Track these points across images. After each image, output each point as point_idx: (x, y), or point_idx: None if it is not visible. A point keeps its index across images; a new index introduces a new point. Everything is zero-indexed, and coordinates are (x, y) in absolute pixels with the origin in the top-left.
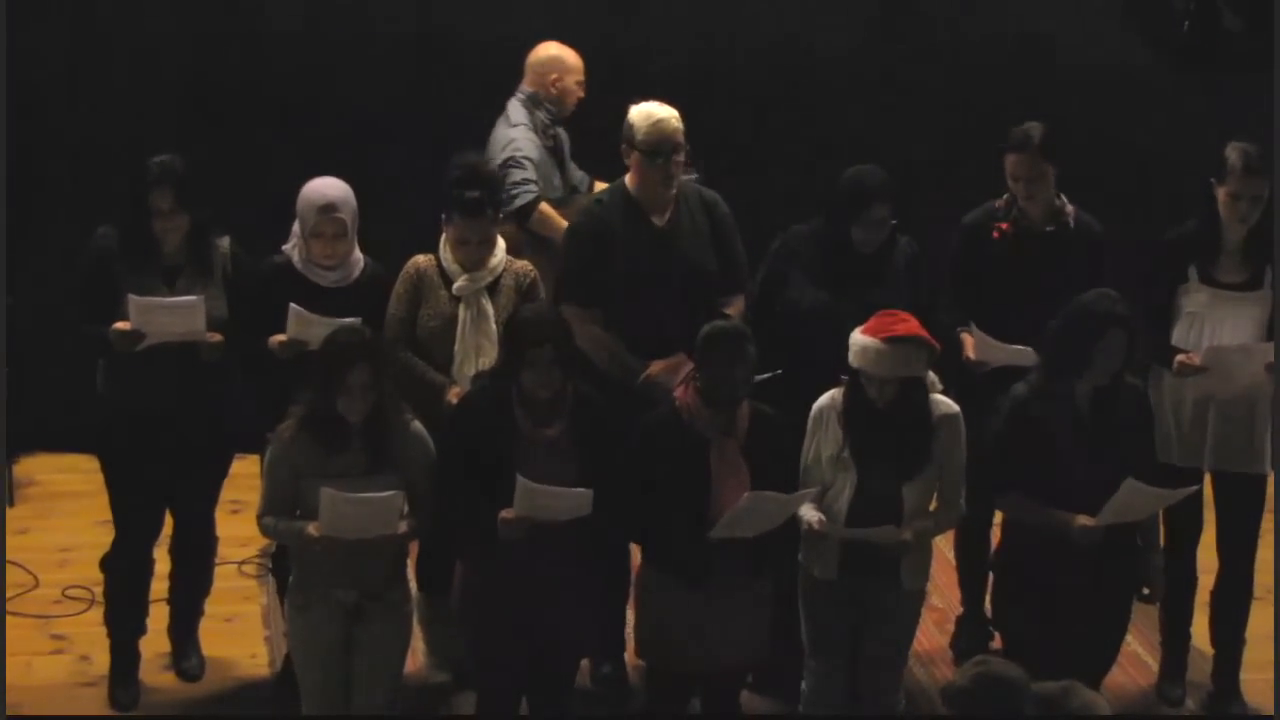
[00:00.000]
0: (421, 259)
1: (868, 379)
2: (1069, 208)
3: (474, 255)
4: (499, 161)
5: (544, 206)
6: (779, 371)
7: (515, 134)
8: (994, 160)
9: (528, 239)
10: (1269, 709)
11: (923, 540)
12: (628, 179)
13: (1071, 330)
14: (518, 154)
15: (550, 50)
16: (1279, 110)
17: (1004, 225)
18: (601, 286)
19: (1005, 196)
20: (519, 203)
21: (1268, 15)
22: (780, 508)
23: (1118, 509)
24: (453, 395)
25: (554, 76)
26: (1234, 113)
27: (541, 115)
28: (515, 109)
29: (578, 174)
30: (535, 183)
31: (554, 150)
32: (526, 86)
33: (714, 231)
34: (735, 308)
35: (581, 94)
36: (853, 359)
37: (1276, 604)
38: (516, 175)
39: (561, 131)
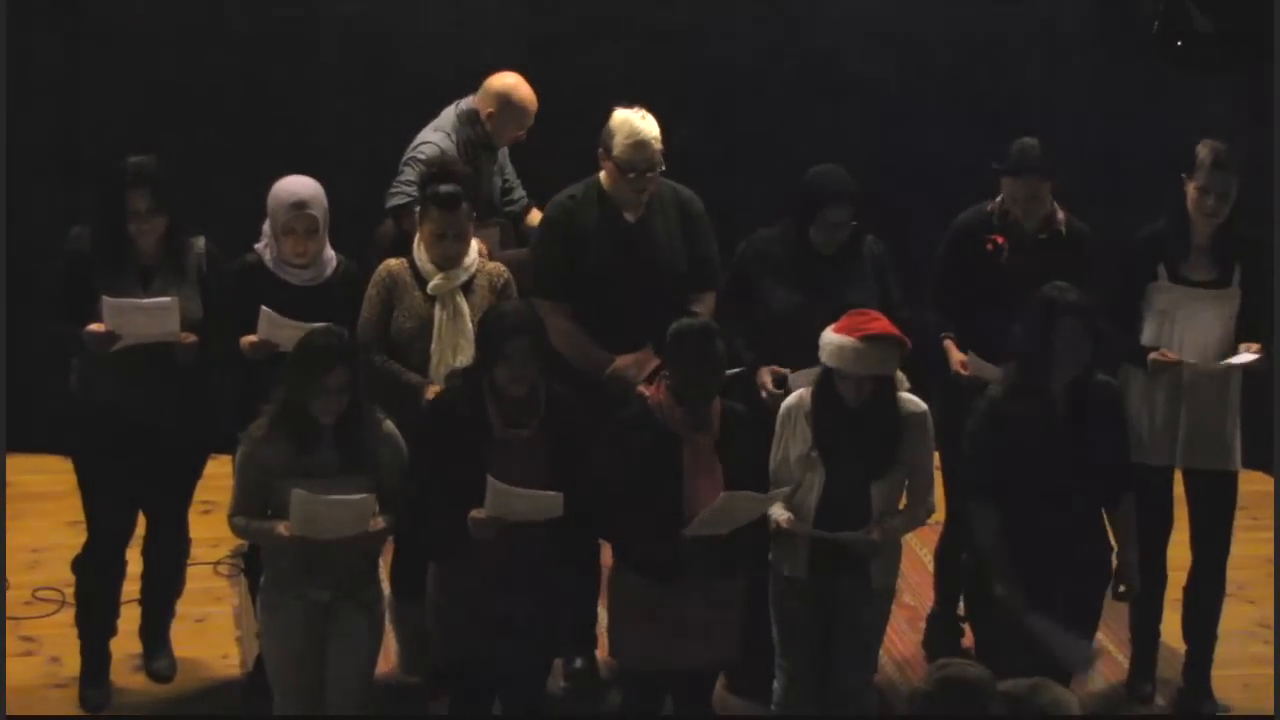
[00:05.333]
0: (393, 262)
1: (841, 377)
2: (1060, 214)
3: (450, 250)
4: (404, 158)
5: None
6: (742, 369)
7: (429, 136)
8: (975, 160)
9: (400, 241)
10: (1240, 706)
11: (891, 539)
12: (602, 176)
13: (1029, 323)
14: (418, 156)
15: (504, 83)
16: (1279, 109)
17: (998, 238)
18: (572, 281)
19: (999, 199)
20: (394, 201)
21: (1237, 16)
22: (755, 506)
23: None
24: (430, 393)
25: (490, 110)
26: (1203, 113)
27: (469, 132)
28: (447, 115)
29: (518, 193)
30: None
31: (471, 167)
32: (472, 101)
33: (686, 228)
34: (705, 305)
35: (520, 135)
36: (826, 358)
37: (1277, 603)
38: (406, 174)
39: (500, 155)
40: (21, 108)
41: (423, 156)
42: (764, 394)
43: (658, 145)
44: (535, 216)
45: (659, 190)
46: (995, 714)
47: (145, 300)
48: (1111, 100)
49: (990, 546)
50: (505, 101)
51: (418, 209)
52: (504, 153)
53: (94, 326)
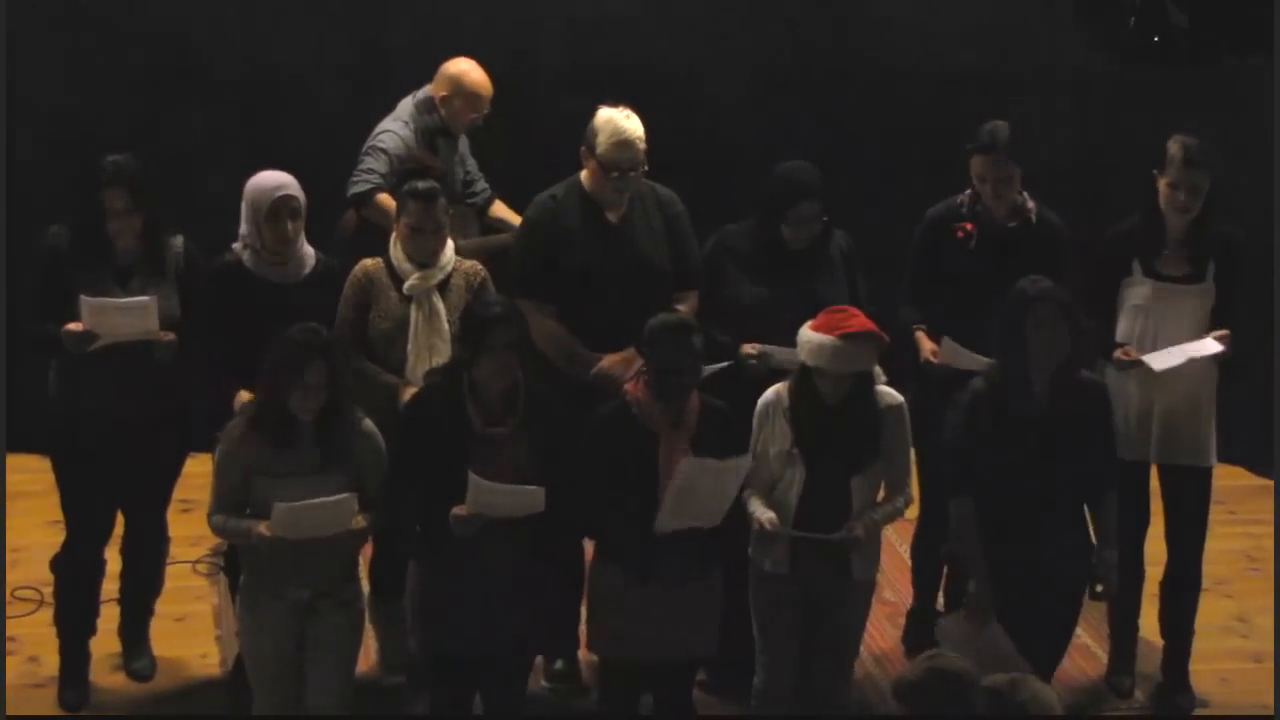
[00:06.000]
0: (369, 262)
1: (820, 375)
2: (1030, 204)
3: (429, 244)
4: (364, 147)
5: (383, 197)
6: (728, 364)
7: (388, 126)
8: (950, 157)
9: (363, 230)
10: (1217, 700)
11: (871, 532)
12: (583, 176)
13: (1003, 313)
14: (377, 145)
15: (457, 67)
16: (1279, 104)
17: (967, 225)
18: (555, 281)
19: (968, 192)
20: (355, 189)
21: (1214, 10)
22: (718, 477)
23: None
24: (406, 395)
25: (444, 94)
26: (1183, 108)
27: (426, 120)
28: (404, 105)
29: (480, 185)
30: (381, 175)
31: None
32: (428, 89)
33: (668, 228)
34: (688, 305)
35: (476, 119)
36: (805, 356)
37: (1277, 601)
38: (366, 163)
39: (461, 146)
40: (13, 109)
41: (382, 145)
42: (751, 362)
43: (641, 145)
44: (499, 209)
45: (639, 190)
46: (978, 708)
47: (123, 300)
48: (1087, 95)
49: (966, 544)
50: (457, 85)
51: (377, 197)
52: (465, 144)
53: (72, 326)
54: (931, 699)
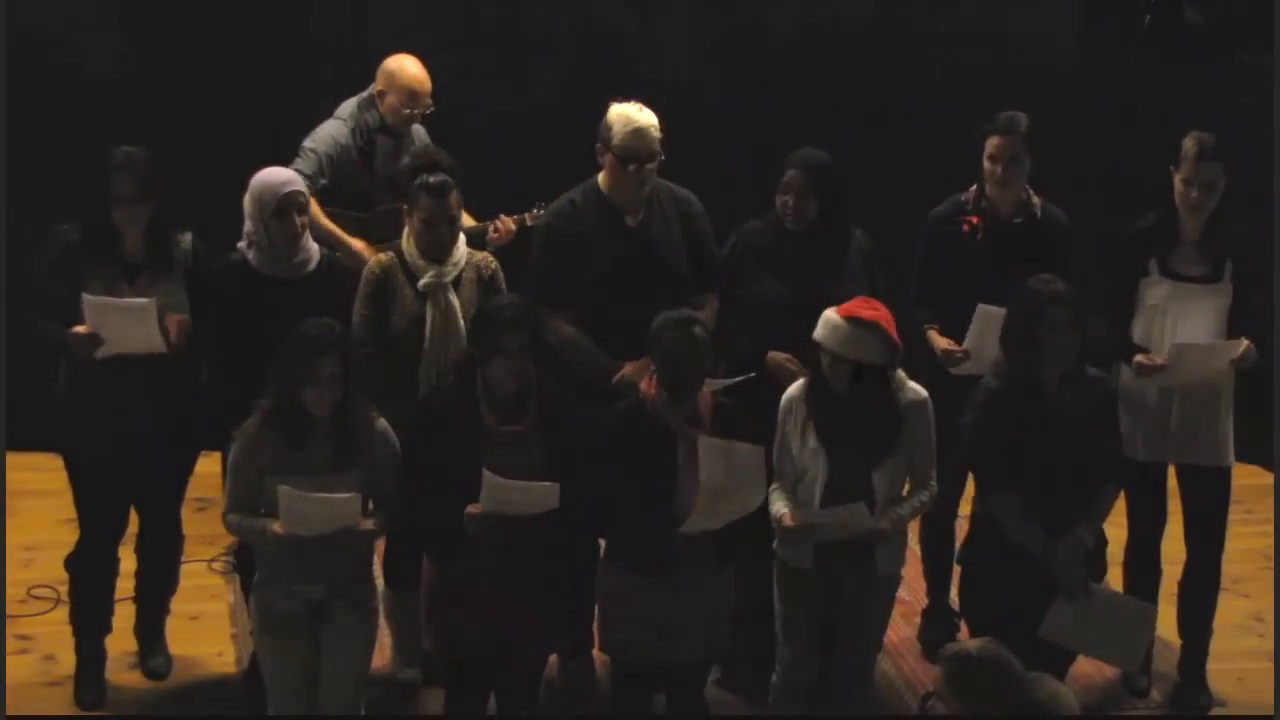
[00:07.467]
0: (383, 258)
1: (824, 355)
2: (1036, 200)
3: (443, 237)
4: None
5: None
6: (752, 375)
7: (324, 126)
8: (958, 156)
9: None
10: (1235, 700)
11: (897, 526)
12: (600, 178)
13: (1016, 315)
14: (307, 144)
15: (391, 64)
16: (1279, 102)
17: (973, 219)
18: (574, 287)
19: (973, 189)
20: None
21: (1228, 9)
22: (734, 461)
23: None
24: None
25: (380, 88)
26: (1197, 106)
27: (367, 116)
28: (347, 104)
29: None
30: (308, 176)
31: (366, 153)
32: (372, 86)
33: (687, 230)
34: (709, 307)
35: (413, 114)
36: (816, 332)
37: (1277, 599)
38: (295, 164)
39: (414, 142)
40: (19, 106)
41: (313, 145)
42: (793, 368)
43: (656, 133)
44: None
45: (656, 192)
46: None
47: (123, 300)
48: (1103, 94)
49: (1019, 535)
50: (390, 78)
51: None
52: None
53: (78, 329)
54: (977, 676)
